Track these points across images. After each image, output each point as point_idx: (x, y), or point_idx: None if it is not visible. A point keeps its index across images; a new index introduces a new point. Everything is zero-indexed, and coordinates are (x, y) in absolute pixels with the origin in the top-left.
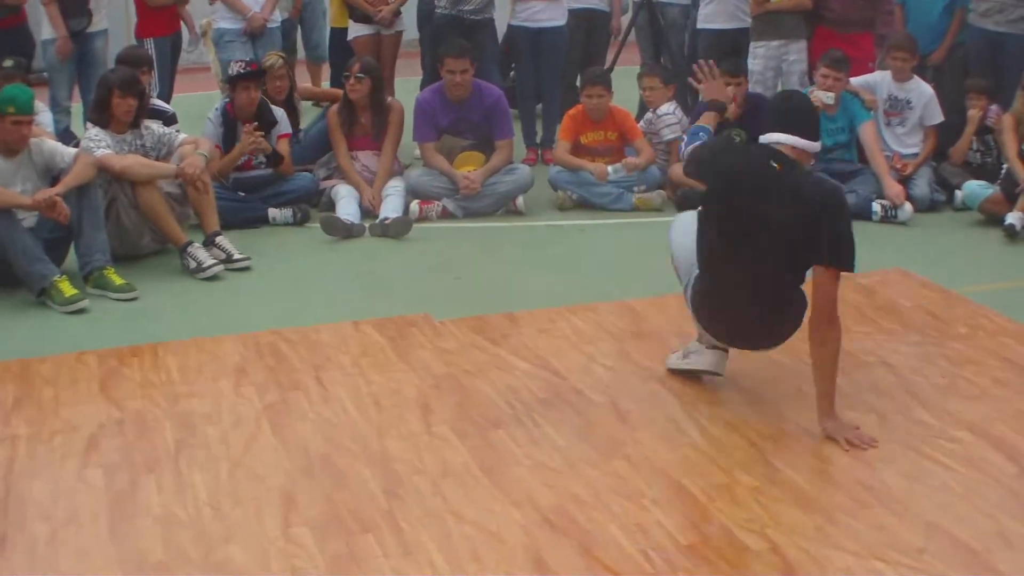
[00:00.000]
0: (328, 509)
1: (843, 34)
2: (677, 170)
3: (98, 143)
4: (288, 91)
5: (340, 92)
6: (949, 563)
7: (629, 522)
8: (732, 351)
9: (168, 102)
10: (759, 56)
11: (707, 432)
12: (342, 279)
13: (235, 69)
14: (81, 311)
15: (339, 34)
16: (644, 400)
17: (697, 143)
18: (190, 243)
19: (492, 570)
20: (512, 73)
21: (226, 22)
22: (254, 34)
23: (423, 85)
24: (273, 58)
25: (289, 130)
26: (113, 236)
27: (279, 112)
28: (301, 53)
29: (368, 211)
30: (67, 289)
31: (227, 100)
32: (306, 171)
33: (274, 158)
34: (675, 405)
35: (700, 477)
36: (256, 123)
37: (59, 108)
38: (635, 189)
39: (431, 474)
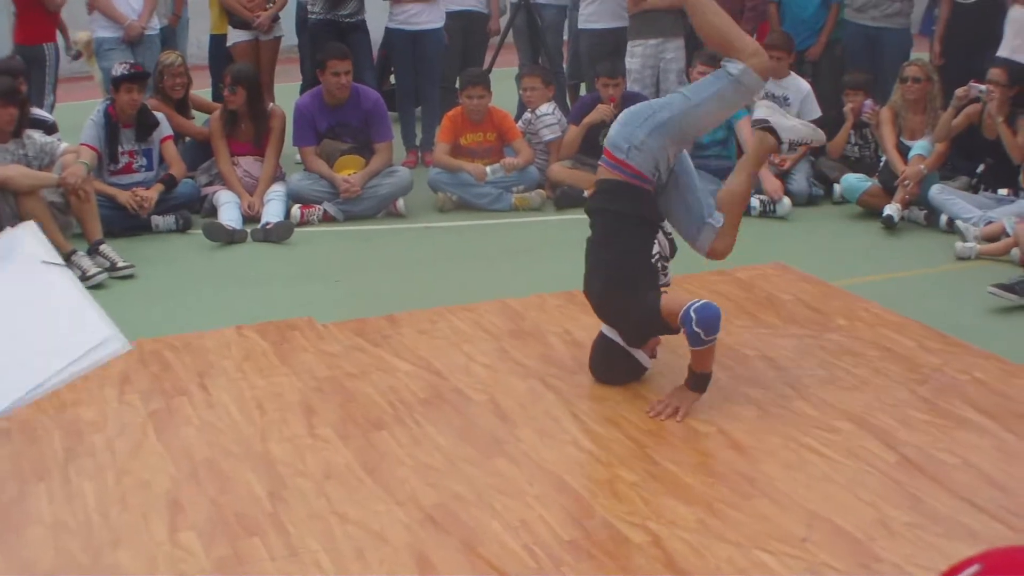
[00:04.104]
0: (214, 513)
1: None
2: (555, 169)
3: None
4: (185, 91)
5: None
6: (831, 552)
7: (512, 519)
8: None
9: (51, 110)
10: (637, 55)
11: (587, 428)
12: (225, 284)
13: (119, 70)
14: None
15: (218, 41)
16: (524, 398)
17: None
18: (74, 252)
19: (376, 570)
20: (392, 76)
21: (104, 31)
22: (132, 42)
23: (303, 90)
24: (172, 56)
25: (171, 132)
26: None
27: (160, 115)
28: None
29: (250, 216)
30: None
31: (108, 102)
32: (188, 177)
33: (168, 184)
34: (555, 402)
35: (581, 473)
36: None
37: None
38: (514, 189)
39: (315, 476)
